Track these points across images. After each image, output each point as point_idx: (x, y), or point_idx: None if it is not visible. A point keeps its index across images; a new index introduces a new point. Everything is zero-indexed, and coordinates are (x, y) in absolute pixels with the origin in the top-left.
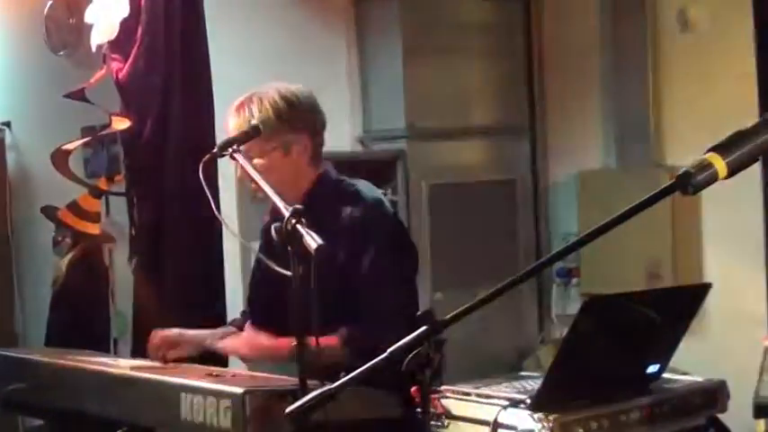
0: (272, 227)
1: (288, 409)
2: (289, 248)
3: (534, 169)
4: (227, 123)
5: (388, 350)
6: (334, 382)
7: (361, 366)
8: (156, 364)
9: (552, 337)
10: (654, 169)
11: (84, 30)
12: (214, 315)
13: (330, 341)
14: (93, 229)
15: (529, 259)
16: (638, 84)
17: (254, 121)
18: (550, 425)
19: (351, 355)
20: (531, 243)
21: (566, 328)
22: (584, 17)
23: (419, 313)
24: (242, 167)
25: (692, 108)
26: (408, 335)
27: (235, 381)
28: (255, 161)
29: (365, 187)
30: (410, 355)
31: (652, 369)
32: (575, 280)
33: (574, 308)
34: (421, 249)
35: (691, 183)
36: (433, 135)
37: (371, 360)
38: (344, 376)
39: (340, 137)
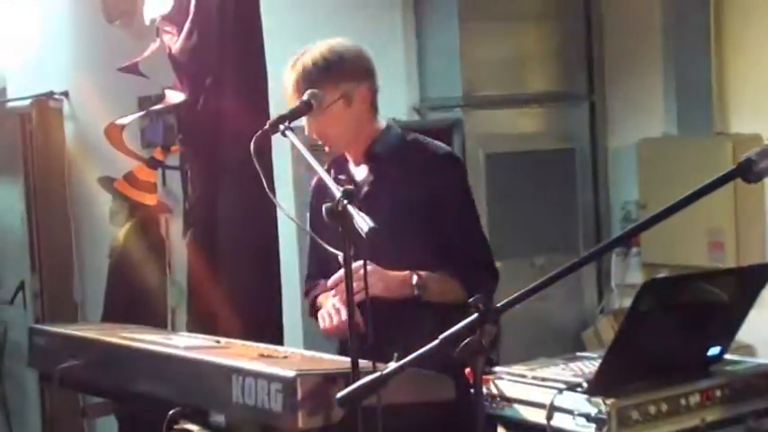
0: (323, 207)
1: (338, 395)
2: (340, 229)
3: (593, 137)
4: (285, 84)
5: (440, 337)
6: (387, 364)
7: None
8: (210, 342)
9: (611, 307)
10: (716, 137)
11: (138, 0)
12: (269, 289)
13: (451, 279)
14: (150, 199)
15: (588, 229)
16: (701, 49)
17: (307, 96)
18: (607, 409)
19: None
20: (590, 212)
21: (625, 298)
22: None
23: (471, 299)
24: (313, 128)
25: (757, 74)
26: None
27: (286, 363)
28: (320, 116)
29: (434, 141)
30: (462, 344)
31: (713, 351)
32: (635, 249)
33: (633, 278)
34: None
35: (752, 171)
36: (489, 103)
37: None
38: (397, 360)
39: (396, 106)
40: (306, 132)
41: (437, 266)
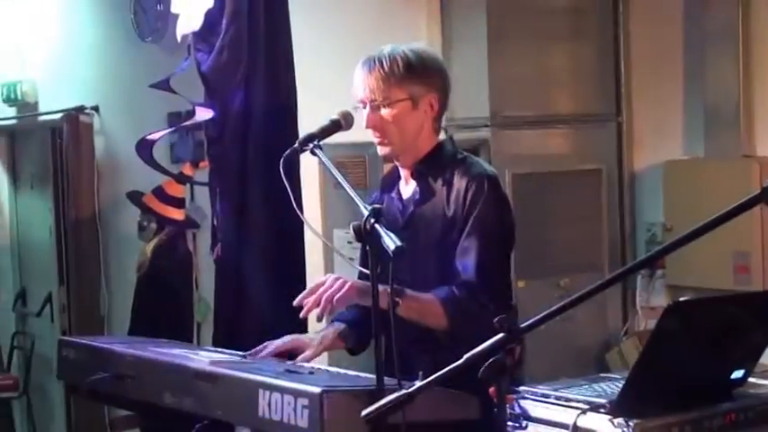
0: (351, 225)
1: (364, 412)
2: (367, 248)
3: (620, 158)
4: (355, 78)
5: (465, 356)
6: (412, 382)
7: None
8: (236, 358)
9: (636, 329)
10: (742, 160)
11: (170, 17)
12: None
13: (432, 304)
14: (178, 214)
15: (613, 250)
16: (728, 71)
17: (338, 115)
18: (631, 430)
19: (453, 322)
20: (616, 233)
21: (650, 320)
22: (672, 2)
23: (496, 319)
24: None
25: None
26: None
27: (313, 379)
28: (383, 111)
29: (483, 162)
30: (486, 363)
31: (737, 374)
32: (660, 272)
33: (658, 300)
34: None
35: None
36: (517, 123)
37: (471, 328)
38: (422, 378)
39: None
40: (364, 124)
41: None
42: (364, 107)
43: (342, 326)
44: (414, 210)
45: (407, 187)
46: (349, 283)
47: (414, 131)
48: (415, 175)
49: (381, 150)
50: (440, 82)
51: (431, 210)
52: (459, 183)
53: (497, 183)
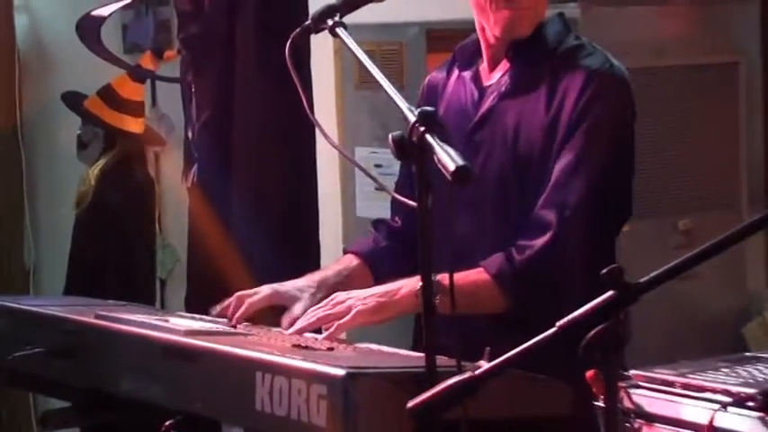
0: (390, 137)
1: (410, 403)
2: (413, 169)
3: (765, 48)
4: None
5: (558, 324)
6: (476, 363)
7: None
8: (222, 327)
9: None
10: None
11: None
12: (304, 250)
13: (476, 278)
14: (134, 125)
15: (755, 179)
16: None
17: None
18: None
19: (512, 295)
20: (759, 156)
21: None
22: None
23: (605, 270)
24: None
25: None
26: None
27: (333, 357)
28: None
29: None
30: (591, 333)
31: None
32: None
33: None
34: None
35: None
36: None
37: (543, 306)
38: (489, 355)
39: None
40: None
41: None
42: None
43: (353, 259)
44: (497, 103)
45: (492, 73)
46: (356, 310)
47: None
48: (512, 56)
49: (512, 12)
50: None
51: (522, 108)
52: (569, 77)
53: (626, 85)
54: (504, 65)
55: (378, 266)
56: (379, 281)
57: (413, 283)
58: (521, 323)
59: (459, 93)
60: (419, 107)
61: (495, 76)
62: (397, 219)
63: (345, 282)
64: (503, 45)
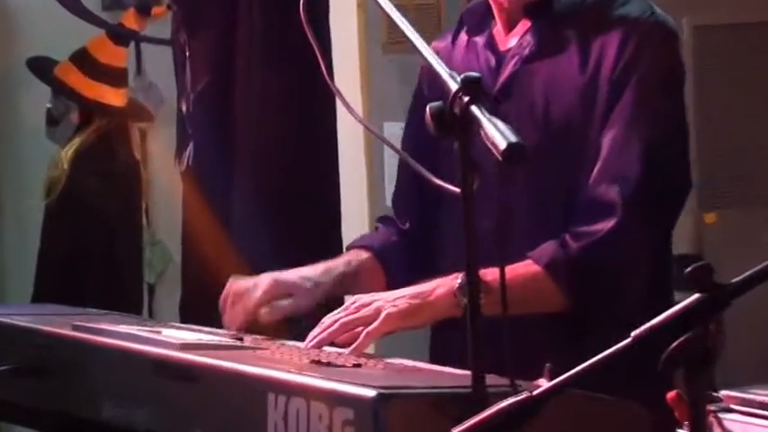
0: (428, 108)
1: (455, 431)
2: (455, 146)
3: None
4: None
5: (633, 333)
6: (533, 382)
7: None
8: (224, 339)
9: None
10: None
11: None
12: (322, 247)
13: (525, 271)
14: (115, 97)
15: None
16: None
17: None
18: None
19: (570, 290)
20: None
21: None
22: None
23: (687, 270)
24: None
25: None
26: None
27: (361, 375)
28: None
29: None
30: (673, 345)
31: None
32: None
33: None
34: None
35: None
36: None
37: (607, 303)
38: (550, 372)
39: None
40: None
41: None
42: None
43: (362, 253)
44: (519, 68)
45: (509, 37)
46: (386, 312)
47: None
48: (532, 12)
49: None
50: None
51: (551, 71)
52: (605, 31)
53: (673, 35)
54: (524, 25)
55: (390, 262)
56: (391, 279)
57: (449, 282)
58: (579, 327)
59: (471, 62)
60: (419, 86)
61: (514, 39)
62: (405, 222)
63: (354, 275)
64: (519, 1)
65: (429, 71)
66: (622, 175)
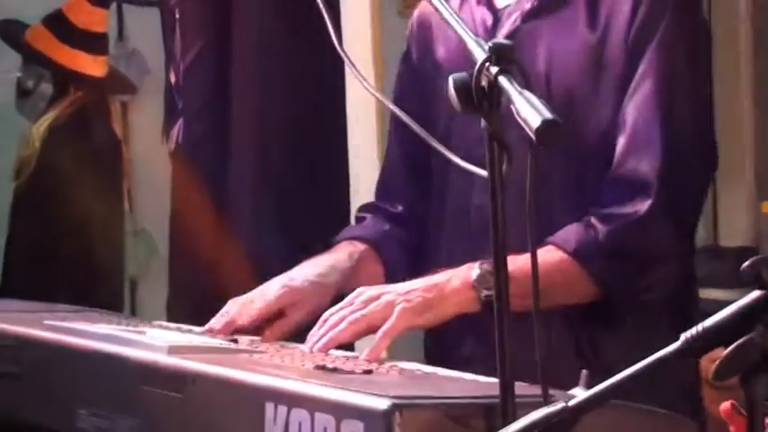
0: (451, 79)
1: None
2: (483, 123)
3: None
4: None
5: (683, 336)
6: (567, 392)
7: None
8: (217, 341)
9: None
10: None
11: None
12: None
13: (548, 258)
14: (94, 66)
15: None
16: None
17: None
18: None
19: (602, 278)
20: None
21: None
22: None
23: (745, 265)
24: None
25: None
26: None
27: (373, 383)
28: None
29: None
30: (728, 349)
31: None
32: None
33: None
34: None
35: None
36: None
37: (642, 292)
38: (588, 380)
39: None
40: None
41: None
42: None
43: (357, 244)
44: (519, 26)
45: None
46: (400, 307)
47: None
48: None
49: None
50: None
51: (555, 29)
52: None
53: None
54: None
55: (387, 252)
56: (389, 271)
57: (463, 273)
58: (597, 321)
59: (466, 22)
60: (408, 50)
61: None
62: (397, 205)
63: (355, 268)
64: None
65: (419, 33)
66: (654, 149)
